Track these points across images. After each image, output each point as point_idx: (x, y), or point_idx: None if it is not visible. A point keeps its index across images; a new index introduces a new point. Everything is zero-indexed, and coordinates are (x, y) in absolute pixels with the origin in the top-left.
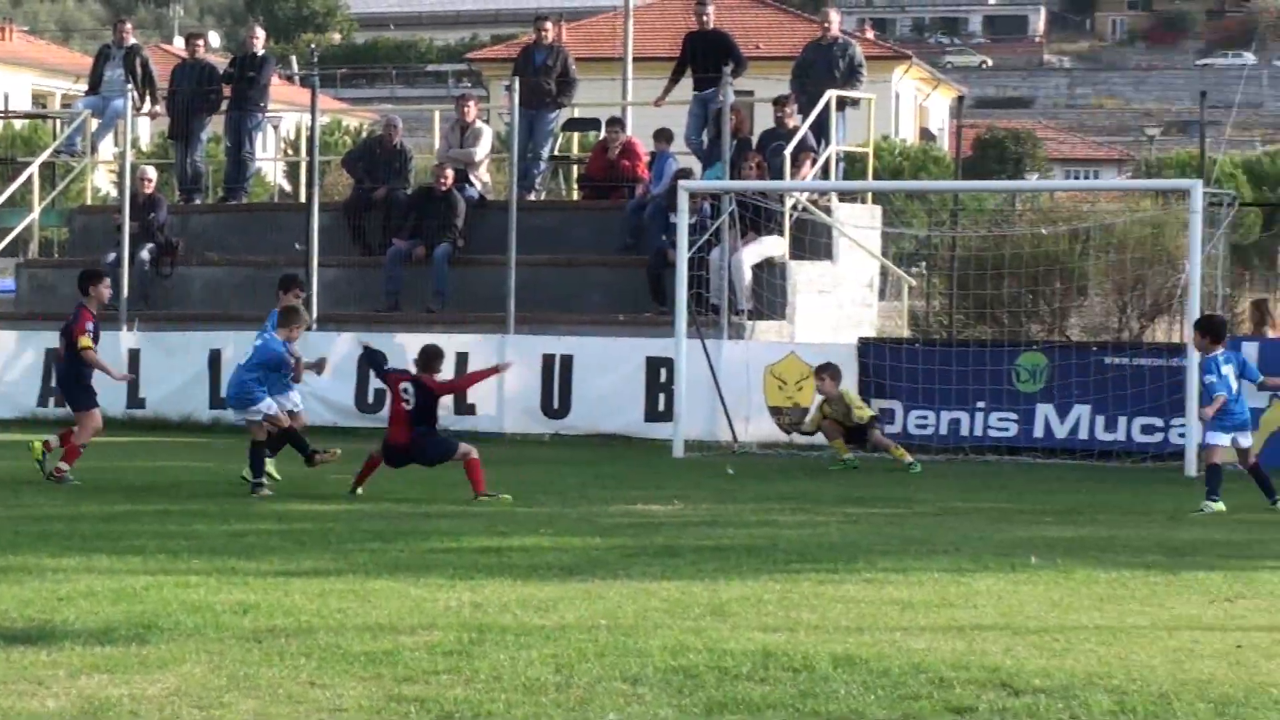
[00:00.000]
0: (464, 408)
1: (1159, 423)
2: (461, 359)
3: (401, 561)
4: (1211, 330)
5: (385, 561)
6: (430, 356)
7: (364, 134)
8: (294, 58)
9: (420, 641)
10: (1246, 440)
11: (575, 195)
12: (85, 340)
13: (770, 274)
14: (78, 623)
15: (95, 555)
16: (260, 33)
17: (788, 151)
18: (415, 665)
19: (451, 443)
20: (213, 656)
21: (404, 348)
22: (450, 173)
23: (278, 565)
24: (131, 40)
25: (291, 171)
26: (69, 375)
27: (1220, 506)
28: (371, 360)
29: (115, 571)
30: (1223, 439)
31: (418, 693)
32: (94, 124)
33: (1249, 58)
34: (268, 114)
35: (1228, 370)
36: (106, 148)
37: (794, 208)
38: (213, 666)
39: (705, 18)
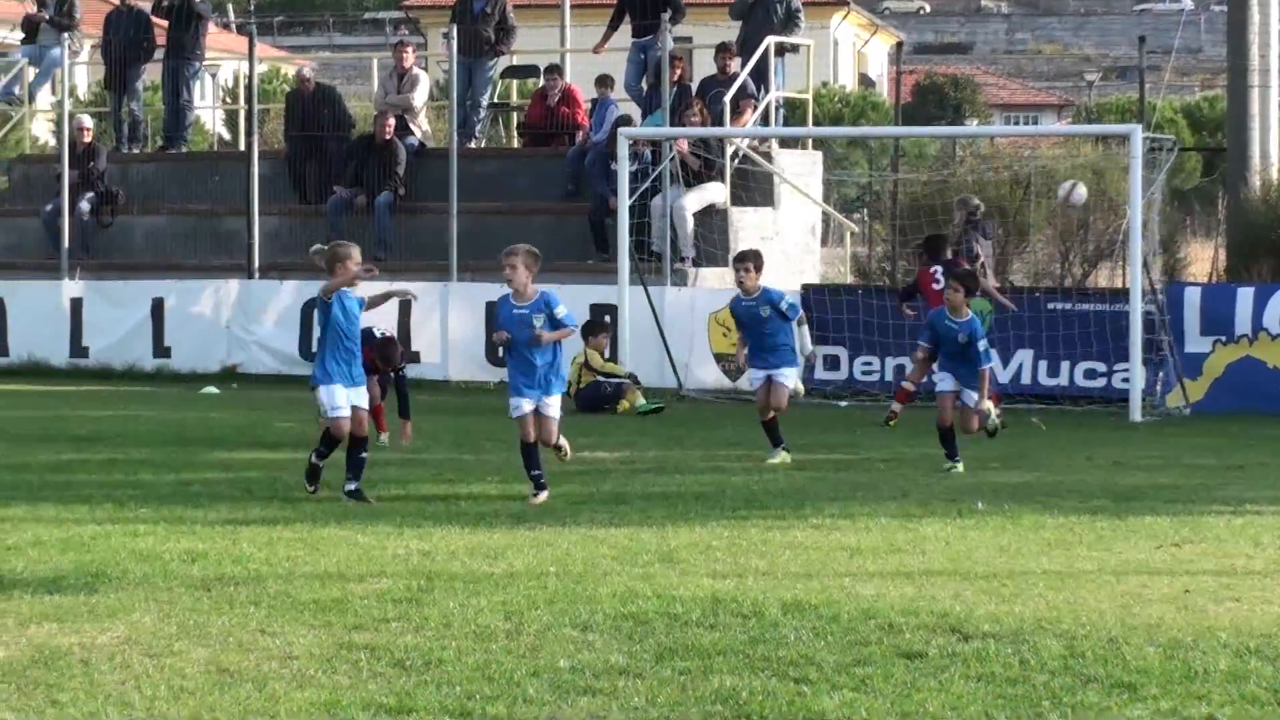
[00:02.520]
0: (408, 355)
1: (1102, 368)
2: (405, 306)
3: (350, 510)
4: None
5: (333, 510)
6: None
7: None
8: (230, 5)
9: (370, 589)
10: None
11: (516, 143)
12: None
13: (712, 221)
14: (26, 572)
15: (42, 505)
16: None
17: (728, 98)
18: (365, 613)
19: None
20: (162, 605)
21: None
22: (391, 121)
23: (226, 514)
24: None
25: (230, 120)
26: None
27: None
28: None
29: (63, 521)
30: None
31: (368, 640)
32: (31, 73)
33: (1187, 3)
34: (205, 62)
35: None
36: (44, 97)
37: (735, 155)
38: (163, 615)
39: None
